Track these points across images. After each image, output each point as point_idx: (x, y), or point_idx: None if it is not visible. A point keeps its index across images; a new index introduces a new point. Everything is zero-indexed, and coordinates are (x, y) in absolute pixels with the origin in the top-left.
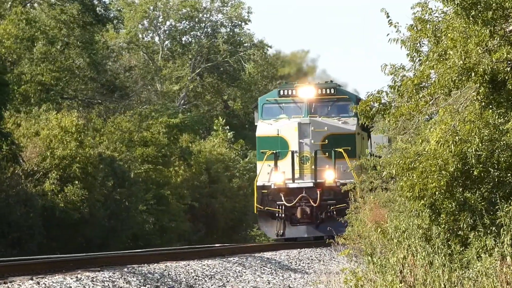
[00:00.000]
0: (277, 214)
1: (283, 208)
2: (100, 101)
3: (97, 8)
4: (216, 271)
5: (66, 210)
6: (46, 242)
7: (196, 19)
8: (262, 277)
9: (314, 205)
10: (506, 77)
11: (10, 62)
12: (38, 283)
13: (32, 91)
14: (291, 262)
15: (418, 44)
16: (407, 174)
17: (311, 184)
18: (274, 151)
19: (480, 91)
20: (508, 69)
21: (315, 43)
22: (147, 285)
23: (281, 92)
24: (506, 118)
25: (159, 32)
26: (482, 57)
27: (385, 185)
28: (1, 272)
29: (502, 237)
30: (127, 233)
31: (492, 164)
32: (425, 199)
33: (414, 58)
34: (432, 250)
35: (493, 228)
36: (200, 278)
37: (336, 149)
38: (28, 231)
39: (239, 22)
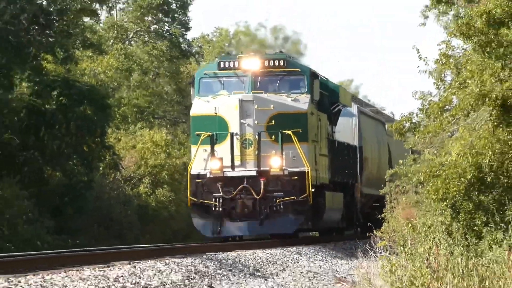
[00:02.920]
0: (213, 208)
1: (220, 201)
2: (184, 120)
3: (182, 45)
4: (277, 258)
5: (157, 208)
6: (141, 234)
7: None
8: (315, 263)
9: (257, 197)
10: None
11: (112, 88)
12: (135, 266)
13: (129, 112)
14: (338, 252)
15: (443, 75)
16: (433, 180)
17: (253, 173)
18: (211, 133)
19: (493, 113)
20: None
21: (357, 71)
22: (222, 269)
23: (221, 64)
24: None
25: None
26: (495, 85)
27: (415, 189)
28: (105, 258)
29: (510, 232)
30: None
31: (502, 173)
32: (447, 201)
33: (439, 86)
34: (453, 242)
35: (503, 224)
36: (264, 263)
37: (283, 131)
38: (127, 225)
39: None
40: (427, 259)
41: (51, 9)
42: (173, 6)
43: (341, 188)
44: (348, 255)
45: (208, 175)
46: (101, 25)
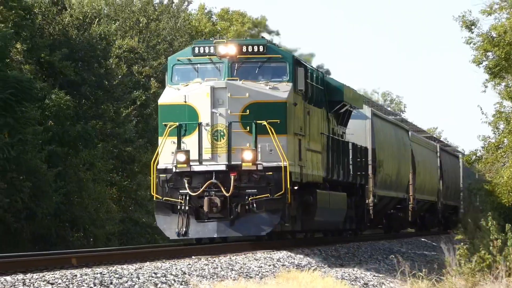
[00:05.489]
0: (179, 207)
1: (186, 198)
2: None
3: None
4: (386, 247)
5: None
6: None
7: None
8: (411, 250)
9: (227, 194)
10: None
11: None
12: (290, 251)
13: None
14: (422, 243)
15: (497, 124)
16: (490, 197)
17: (223, 167)
18: (178, 124)
19: None
20: None
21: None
22: (348, 253)
23: (196, 50)
24: None
25: None
26: None
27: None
28: (272, 246)
29: None
30: None
31: None
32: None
33: (495, 132)
34: (505, 237)
35: None
36: (377, 250)
37: (258, 122)
38: None
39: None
40: (488, 248)
41: None
42: None
43: (345, 189)
44: (432, 246)
45: (174, 170)
46: None
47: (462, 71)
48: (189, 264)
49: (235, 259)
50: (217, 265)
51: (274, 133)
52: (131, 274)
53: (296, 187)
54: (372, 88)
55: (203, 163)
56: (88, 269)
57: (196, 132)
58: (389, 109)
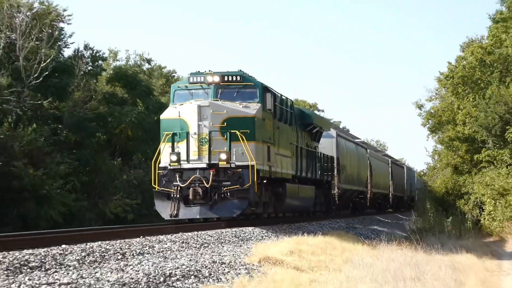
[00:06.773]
0: (172, 195)
1: (178, 189)
2: None
3: None
4: (381, 219)
5: None
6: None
7: None
8: (388, 222)
9: (207, 186)
10: (460, 168)
11: None
12: (321, 223)
13: None
14: (392, 219)
15: (434, 156)
16: (429, 193)
17: (204, 165)
18: (173, 133)
19: (451, 169)
20: (462, 164)
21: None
22: (359, 223)
23: (191, 79)
24: (459, 178)
25: None
26: (452, 160)
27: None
28: (307, 220)
29: (458, 210)
30: None
31: (455, 190)
32: (434, 200)
33: (433, 160)
34: (437, 214)
35: (456, 208)
36: (375, 220)
37: (232, 131)
38: None
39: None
40: (429, 220)
41: None
42: None
43: (313, 183)
44: (396, 220)
45: (169, 167)
46: None
47: (416, 130)
48: (263, 229)
49: (293, 225)
50: (281, 228)
51: (244, 140)
52: (227, 232)
53: (265, 181)
54: (371, 138)
55: (191, 162)
56: (193, 233)
57: (186, 139)
58: (374, 145)
